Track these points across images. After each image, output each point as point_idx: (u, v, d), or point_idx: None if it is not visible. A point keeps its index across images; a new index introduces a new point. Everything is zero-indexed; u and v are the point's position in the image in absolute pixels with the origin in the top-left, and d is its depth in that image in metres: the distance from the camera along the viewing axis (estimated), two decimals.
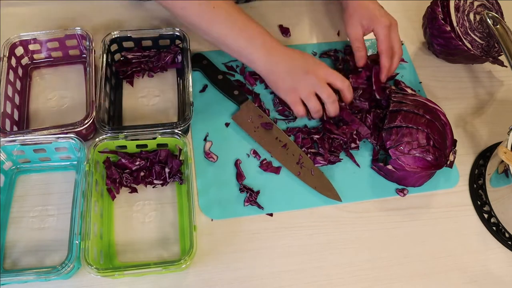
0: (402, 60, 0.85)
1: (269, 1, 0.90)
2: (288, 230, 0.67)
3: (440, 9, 0.79)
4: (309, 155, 0.72)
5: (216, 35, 0.70)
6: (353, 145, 0.73)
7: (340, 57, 0.83)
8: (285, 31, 0.87)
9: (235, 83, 0.78)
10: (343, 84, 0.72)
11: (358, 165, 0.73)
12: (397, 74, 0.82)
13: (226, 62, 0.81)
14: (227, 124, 0.75)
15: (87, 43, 0.74)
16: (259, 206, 0.68)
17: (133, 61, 0.78)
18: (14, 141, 0.64)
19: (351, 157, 0.73)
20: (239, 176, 0.70)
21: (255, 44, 0.70)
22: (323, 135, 0.73)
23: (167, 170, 0.68)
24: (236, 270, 0.64)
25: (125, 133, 0.66)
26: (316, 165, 0.71)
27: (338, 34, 0.88)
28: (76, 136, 0.65)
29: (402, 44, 0.80)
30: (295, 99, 0.72)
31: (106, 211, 0.66)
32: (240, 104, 0.75)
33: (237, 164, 0.71)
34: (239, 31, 0.70)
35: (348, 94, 0.73)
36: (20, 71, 0.75)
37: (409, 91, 0.77)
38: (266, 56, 0.70)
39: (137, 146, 0.68)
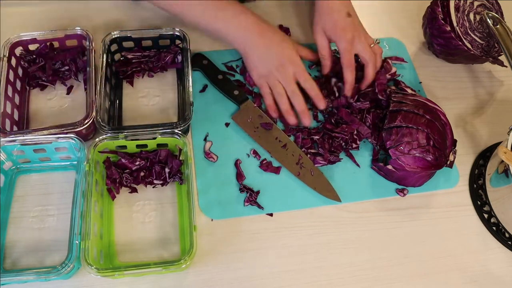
0: (402, 60, 0.85)
1: (269, 1, 0.90)
2: (288, 230, 0.67)
3: (440, 9, 0.79)
4: (309, 155, 0.72)
5: (192, 17, 0.71)
6: (353, 145, 0.73)
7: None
8: (285, 31, 0.87)
9: (235, 83, 0.78)
10: (307, 86, 0.73)
11: (358, 165, 0.73)
12: (399, 75, 0.82)
13: (226, 62, 0.81)
14: (227, 124, 0.75)
15: (87, 43, 0.74)
16: (259, 206, 0.68)
17: (133, 61, 0.78)
18: (14, 141, 0.64)
19: (351, 157, 0.73)
20: (239, 176, 0.70)
21: (233, 25, 0.71)
22: (323, 135, 0.73)
23: (167, 170, 0.68)
24: (236, 270, 0.64)
25: (125, 133, 0.66)
26: (316, 165, 0.71)
27: None
28: (76, 136, 0.65)
29: (379, 43, 0.79)
30: (265, 89, 0.74)
31: (106, 211, 0.66)
32: (240, 104, 0.75)
33: (237, 164, 0.71)
34: (215, 11, 0.70)
35: (314, 96, 0.73)
36: (20, 71, 0.75)
37: (409, 91, 0.77)
38: (243, 36, 0.72)
39: (137, 146, 0.68)
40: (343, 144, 0.73)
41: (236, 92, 0.76)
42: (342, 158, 0.73)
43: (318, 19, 0.76)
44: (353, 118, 0.73)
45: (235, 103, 0.76)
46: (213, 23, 0.71)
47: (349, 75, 0.74)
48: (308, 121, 0.73)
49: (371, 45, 0.76)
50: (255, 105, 0.76)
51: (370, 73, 0.75)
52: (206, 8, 0.70)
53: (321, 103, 0.74)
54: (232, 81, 0.78)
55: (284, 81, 0.72)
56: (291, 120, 0.73)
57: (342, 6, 0.76)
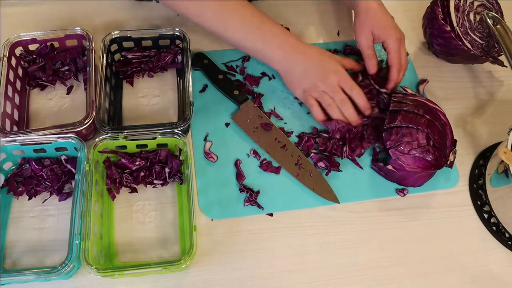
0: None
1: (269, 1, 0.90)
2: (288, 230, 0.67)
3: (440, 9, 0.79)
4: (311, 155, 0.72)
5: (233, 39, 0.71)
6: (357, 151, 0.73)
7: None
8: None
9: (235, 83, 0.78)
10: (352, 90, 0.72)
11: (360, 167, 0.73)
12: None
13: (226, 62, 0.81)
14: (227, 124, 0.75)
15: (87, 43, 0.74)
16: (259, 206, 0.68)
17: (133, 61, 0.78)
18: (14, 141, 0.64)
19: (354, 161, 0.73)
20: (239, 176, 0.70)
21: (272, 46, 0.71)
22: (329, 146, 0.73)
23: (167, 170, 0.68)
24: (236, 270, 0.64)
25: (125, 133, 0.66)
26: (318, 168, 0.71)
27: (338, 34, 0.88)
28: (76, 136, 0.65)
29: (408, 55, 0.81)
30: (310, 101, 0.73)
31: (106, 211, 0.66)
32: (240, 104, 0.75)
33: (237, 164, 0.71)
34: (255, 33, 0.71)
35: (362, 104, 0.73)
36: (20, 71, 0.75)
37: (409, 91, 0.77)
38: (283, 56, 0.72)
39: (137, 146, 0.68)
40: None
41: (236, 92, 0.76)
42: (339, 163, 0.73)
43: (363, 20, 0.76)
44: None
45: (235, 103, 0.76)
46: (254, 43, 0.72)
47: (396, 74, 0.75)
48: (359, 125, 0.73)
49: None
50: (255, 105, 0.76)
51: (401, 77, 0.77)
52: (248, 29, 0.71)
53: (368, 111, 0.74)
54: (232, 81, 0.78)
55: (330, 91, 0.72)
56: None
57: (384, 8, 0.77)
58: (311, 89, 0.72)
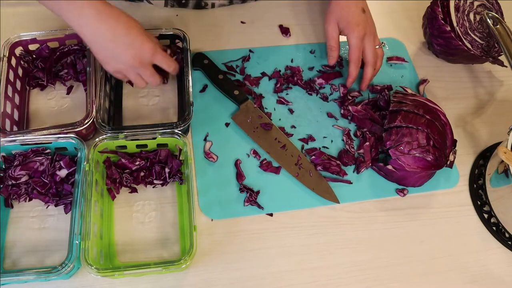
0: (403, 60, 0.85)
1: (269, 1, 0.90)
2: (288, 230, 0.67)
3: (440, 9, 0.79)
4: (312, 157, 0.72)
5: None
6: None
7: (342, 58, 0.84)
8: (285, 31, 0.87)
9: (235, 83, 0.78)
10: (169, 66, 0.69)
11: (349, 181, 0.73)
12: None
13: (226, 62, 0.81)
14: (227, 124, 0.75)
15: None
16: (259, 206, 0.68)
17: None
18: (14, 141, 0.64)
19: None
20: (239, 176, 0.70)
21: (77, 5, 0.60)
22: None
23: (167, 170, 0.68)
24: (236, 270, 0.64)
25: (125, 133, 0.66)
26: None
27: None
28: (76, 136, 0.65)
29: (383, 46, 0.80)
30: (122, 77, 0.70)
31: (106, 211, 0.66)
32: (240, 104, 0.75)
33: (237, 164, 0.71)
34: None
35: (163, 63, 0.69)
36: (20, 71, 0.75)
37: (409, 91, 0.77)
38: (85, 25, 0.62)
39: (137, 146, 0.68)
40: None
41: (236, 92, 0.76)
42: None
43: (333, 9, 0.76)
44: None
45: (235, 103, 0.76)
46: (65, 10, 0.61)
47: (353, 70, 0.76)
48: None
49: (376, 47, 0.77)
50: (255, 105, 0.76)
51: (368, 74, 0.77)
52: None
53: (175, 72, 0.71)
54: (232, 81, 0.78)
55: (138, 69, 0.67)
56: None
57: (359, 1, 0.76)
58: (124, 70, 0.67)
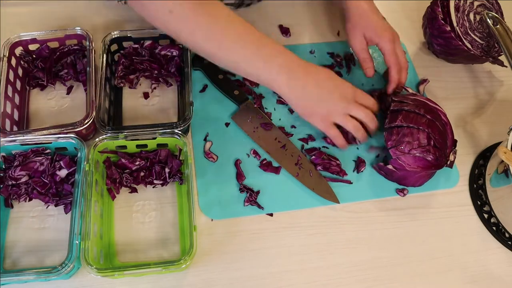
0: None
1: (269, 1, 0.90)
2: (288, 230, 0.67)
3: (440, 9, 0.79)
4: (313, 157, 0.72)
5: (228, 59, 0.63)
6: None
7: (343, 57, 0.84)
8: (285, 31, 0.87)
9: (235, 83, 0.78)
10: (370, 103, 0.70)
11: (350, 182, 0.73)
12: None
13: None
14: (227, 124, 0.75)
15: (87, 43, 0.74)
16: (259, 206, 0.68)
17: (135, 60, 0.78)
18: (14, 141, 0.64)
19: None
20: (239, 176, 0.70)
21: (274, 64, 0.63)
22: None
23: (167, 170, 0.68)
24: (236, 270, 0.64)
25: (125, 133, 0.66)
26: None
27: (338, 34, 0.88)
28: (76, 136, 0.65)
29: (406, 53, 0.79)
30: (329, 125, 0.68)
31: (106, 211, 0.66)
32: (240, 104, 0.75)
33: (237, 164, 0.71)
34: (253, 51, 0.62)
35: (371, 121, 0.69)
36: (20, 71, 0.75)
37: (410, 90, 0.77)
38: (289, 79, 0.64)
39: (137, 146, 0.68)
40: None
41: (236, 92, 0.76)
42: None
43: (355, 23, 0.75)
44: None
45: (235, 103, 0.76)
46: (253, 64, 0.63)
47: (395, 74, 0.74)
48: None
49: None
50: (255, 105, 0.76)
51: (404, 78, 0.75)
52: (244, 45, 0.62)
53: (373, 133, 0.72)
54: (232, 81, 0.78)
55: (349, 107, 0.67)
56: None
57: (376, 10, 0.76)
58: (330, 111, 0.67)
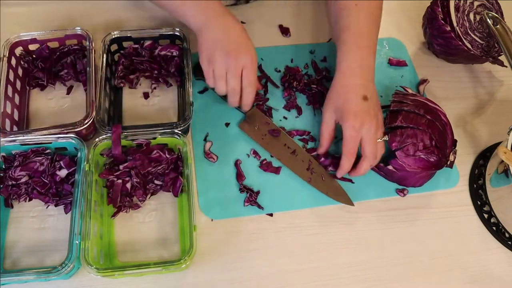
0: (404, 64, 0.84)
1: (269, 1, 0.90)
2: (288, 230, 0.67)
3: (440, 9, 0.79)
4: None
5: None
6: None
7: None
8: (285, 31, 0.87)
9: None
10: (252, 80, 0.68)
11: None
12: None
13: None
14: (227, 124, 0.75)
15: (87, 43, 0.73)
16: (259, 206, 0.68)
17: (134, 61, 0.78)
18: (14, 141, 0.64)
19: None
20: (239, 176, 0.70)
21: (192, 3, 0.67)
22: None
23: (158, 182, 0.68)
24: (236, 270, 0.64)
25: (125, 133, 0.66)
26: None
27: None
28: (76, 136, 0.65)
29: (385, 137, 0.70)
30: (210, 72, 0.68)
31: (106, 211, 0.66)
32: (246, 112, 0.74)
33: (237, 164, 0.71)
34: None
35: (245, 96, 0.69)
36: (20, 71, 0.74)
37: (410, 91, 0.77)
38: (203, 14, 0.67)
39: (137, 146, 0.68)
40: None
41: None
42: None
43: (331, 97, 0.69)
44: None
45: (240, 111, 0.75)
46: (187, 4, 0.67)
47: (345, 163, 0.67)
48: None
49: (379, 140, 0.68)
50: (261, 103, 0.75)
51: (362, 169, 0.68)
52: None
53: (246, 108, 0.71)
54: None
55: (231, 72, 0.66)
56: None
57: (361, 88, 0.67)
58: (215, 60, 0.66)
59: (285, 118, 0.77)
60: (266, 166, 0.71)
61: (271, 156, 0.72)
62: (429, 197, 0.72)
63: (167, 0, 0.69)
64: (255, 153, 0.72)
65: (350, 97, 0.67)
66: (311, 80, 0.80)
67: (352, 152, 0.67)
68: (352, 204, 0.69)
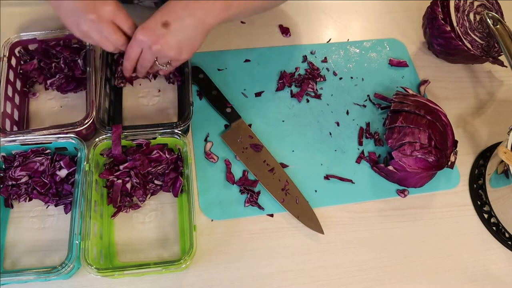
0: (405, 64, 0.84)
1: None
2: (288, 230, 0.67)
3: (440, 9, 0.79)
4: None
5: None
6: None
7: None
8: (285, 31, 0.87)
9: (228, 102, 0.75)
10: (129, 29, 0.62)
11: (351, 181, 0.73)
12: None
13: (222, 68, 0.81)
14: (226, 126, 0.75)
15: (87, 43, 0.73)
16: (260, 207, 0.68)
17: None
18: (14, 141, 0.64)
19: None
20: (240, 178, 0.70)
21: None
22: None
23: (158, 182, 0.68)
24: (236, 270, 0.64)
25: (125, 133, 0.66)
26: None
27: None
28: (76, 136, 0.65)
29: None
30: (76, 29, 0.61)
31: (106, 211, 0.66)
32: (231, 122, 0.74)
33: (226, 162, 0.71)
34: None
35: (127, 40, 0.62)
36: (20, 71, 0.74)
37: (410, 91, 0.77)
38: None
39: (137, 146, 0.68)
40: None
41: (228, 110, 0.74)
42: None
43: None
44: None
45: (226, 120, 0.75)
46: None
47: (125, 64, 0.65)
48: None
49: (161, 67, 0.65)
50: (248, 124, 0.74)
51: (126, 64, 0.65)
52: None
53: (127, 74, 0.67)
54: (225, 98, 0.76)
55: (99, 27, 0.60)
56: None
57: (164, 13, 0.61)
58: (78, 20, 0.59)
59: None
60: (244, 179, 0.70)
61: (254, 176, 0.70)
62: (430, 197, 0.72)
63: None
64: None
65: (149, 22, 0.61)
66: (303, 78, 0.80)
67: (129, 56, 0.63)
68: (322, 233, 0.66)
